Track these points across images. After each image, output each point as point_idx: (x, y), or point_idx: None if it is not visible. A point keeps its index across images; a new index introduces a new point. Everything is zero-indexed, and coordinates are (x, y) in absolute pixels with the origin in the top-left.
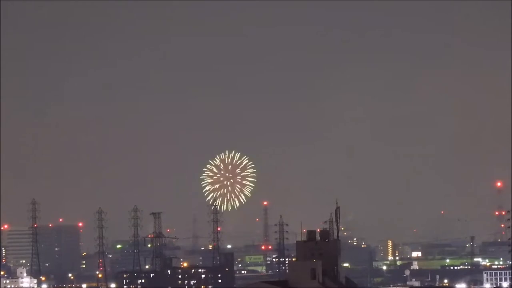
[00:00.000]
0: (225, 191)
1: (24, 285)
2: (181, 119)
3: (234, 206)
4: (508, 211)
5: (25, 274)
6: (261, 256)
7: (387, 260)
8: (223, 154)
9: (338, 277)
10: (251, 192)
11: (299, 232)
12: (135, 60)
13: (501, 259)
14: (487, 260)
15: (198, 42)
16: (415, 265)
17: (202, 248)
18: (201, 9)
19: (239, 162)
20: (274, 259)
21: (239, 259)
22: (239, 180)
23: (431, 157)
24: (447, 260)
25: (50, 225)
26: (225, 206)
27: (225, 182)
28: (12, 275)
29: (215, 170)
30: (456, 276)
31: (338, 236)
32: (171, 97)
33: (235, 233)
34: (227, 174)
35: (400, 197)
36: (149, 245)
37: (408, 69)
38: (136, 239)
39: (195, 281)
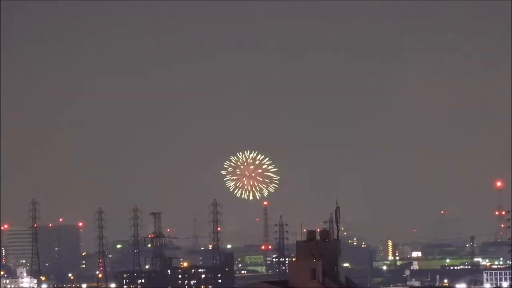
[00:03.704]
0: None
1: (24, 285)
2: (181, 119)
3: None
4: (508, 211)
5: (25, 274)
6: (261, 256)
7: (387, 260)
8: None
9: (338, 277)
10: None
11: (299, 232)
12: (133, 60)
13: (501, 259)
14: (487, 260)
15: (202, 39)
16: (415, 265)
17: (202, 248)
18: (203, 9)
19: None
20: (274, 259)
21: (239, 259)
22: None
23: (431, 157)
24: (447, 260)
25: (50, 225)
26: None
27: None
28: (12, 275)
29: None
30: (456, 276)
31: (338, 236)
32: (171, 97)
33: (235, 233)
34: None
35: (400, 197)
36: (149, 245)
37: (405, 69)
38: (136, 239)
39: (195, 281)
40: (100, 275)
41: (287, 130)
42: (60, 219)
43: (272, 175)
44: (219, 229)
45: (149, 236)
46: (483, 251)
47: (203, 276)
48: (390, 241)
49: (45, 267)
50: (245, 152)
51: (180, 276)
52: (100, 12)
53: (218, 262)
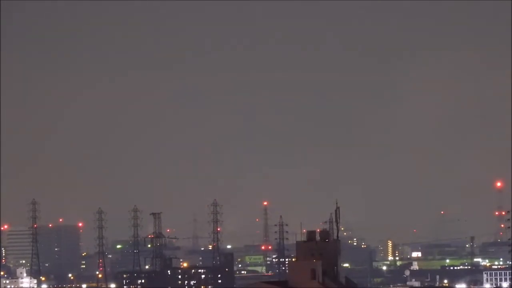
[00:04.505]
0: None
1: (24, 285)
2: (181, 119)
3: None
4: (508, 211)
5: (25, 274)
6: (261, 256)
7: (387, 260)
8: None
9: (338, 277)
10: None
11: (299, 232)
12: (133, 60)
13: (501, 259)
14: (487, 260)
15: (202, 39)
16: (415, 265)
17: (202, 248)
18: (203, 9)
19: None
20: (274, 259)
21: (239, 259)
22: None
23: (431, 157)
24: (447, 260)
25: (50, 225)
26: None
27: None
28: (12, 275)
29: None
30: (456, 276)
31: (338, 236)
32: (170, 97)
33: (235, 233)
34: None
35: (400, 197)
36: (149, 245)
37: (405, 69)
38: (136, 239)
39: (195, 281)
40: (100, 275)
41: (287, 130)
42: (60, 219)
43: None
44: (219, 229)
45: (149, 236)
46: (483, 251)
47: (203, 276)
48: (390, 241)
49: (45, 267)
50: None
51: (180, 277)
52: (100, 12)
53: (218, 262)
